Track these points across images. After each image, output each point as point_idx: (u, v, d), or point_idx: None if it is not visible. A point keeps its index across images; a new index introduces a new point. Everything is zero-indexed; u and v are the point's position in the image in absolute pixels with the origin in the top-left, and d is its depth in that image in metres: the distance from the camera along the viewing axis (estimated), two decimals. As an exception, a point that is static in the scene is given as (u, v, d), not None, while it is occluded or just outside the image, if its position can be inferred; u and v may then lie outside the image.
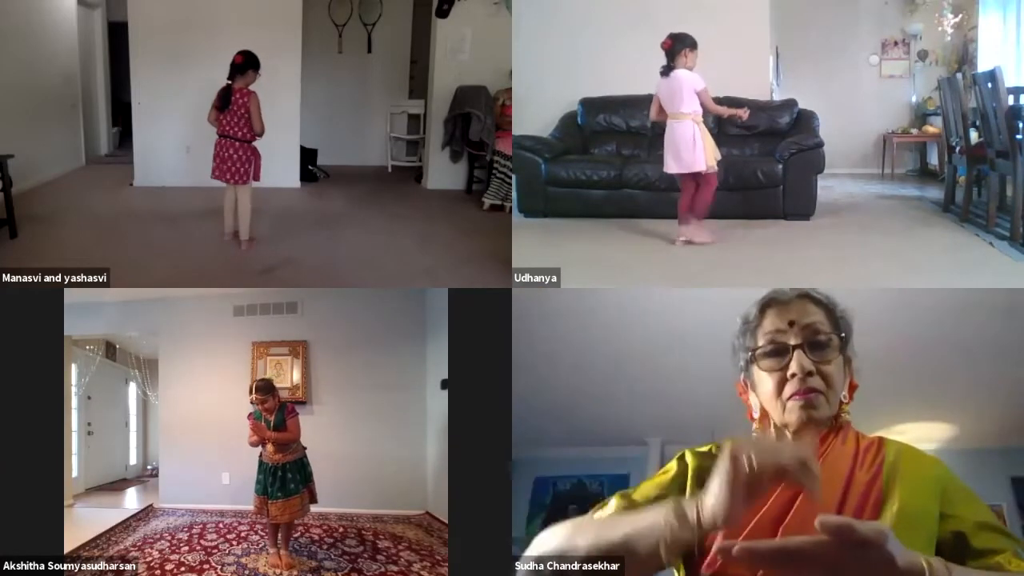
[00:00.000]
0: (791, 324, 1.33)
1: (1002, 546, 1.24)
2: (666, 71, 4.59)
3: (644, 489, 1.36)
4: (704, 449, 1.37)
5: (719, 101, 4.84)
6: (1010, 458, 4.28)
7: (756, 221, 5.14)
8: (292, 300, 5.26)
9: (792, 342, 1.32)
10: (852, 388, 1.40)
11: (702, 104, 4.56)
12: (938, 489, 1.30)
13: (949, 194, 5.75)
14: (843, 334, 1.35)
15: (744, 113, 4.76)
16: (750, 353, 1.37)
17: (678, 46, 4.54)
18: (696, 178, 4.66)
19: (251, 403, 3.81)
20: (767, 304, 1.38)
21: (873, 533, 0.95)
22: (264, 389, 3.80)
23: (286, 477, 3.77)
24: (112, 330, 6.18)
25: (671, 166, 4.66)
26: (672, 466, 1.38)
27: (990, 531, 1.26)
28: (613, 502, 1.35)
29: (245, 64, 4.49)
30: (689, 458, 1.36)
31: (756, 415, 1.40)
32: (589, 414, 4.16)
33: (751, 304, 1.41)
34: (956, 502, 1.29)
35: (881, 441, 1.36)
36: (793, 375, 1.31)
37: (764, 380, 1.35)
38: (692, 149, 4.57)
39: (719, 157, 4.71)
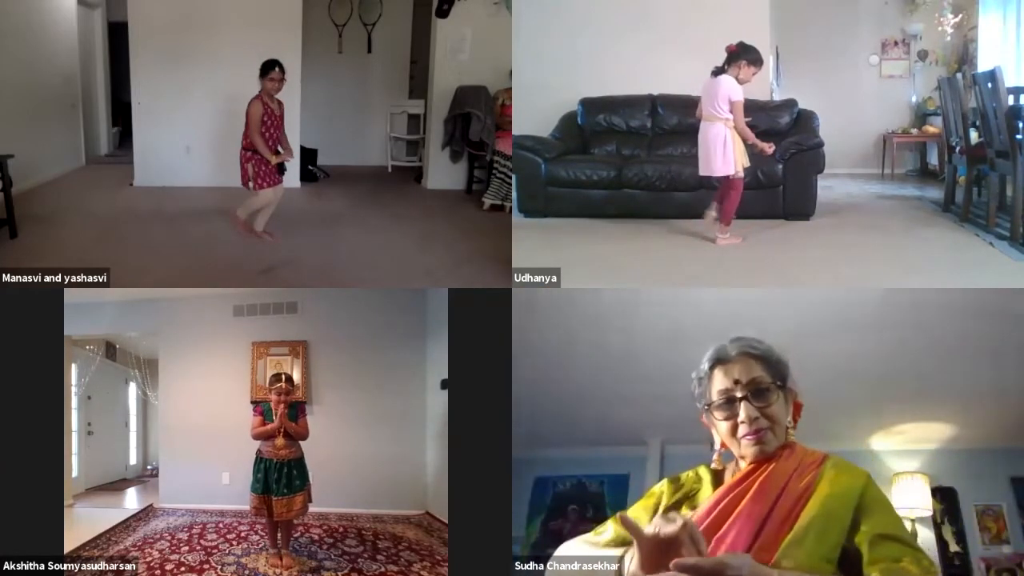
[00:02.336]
0: (736, 382, 1.58)
1: (898, 554, 1.42)
2: (716, 72, 4.59)
3: (633, 511, 1.64)
4: (680, 475, 1.68)
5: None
6: (1010, 458, 4.26)
7: (756, 221, 5.13)
8: (292, 300, 5.26)
9: (739, 395, 1.58)
10: (797, 408, 1.64)
11: (733, 116, 4.56)
12: (853, 500, 1.48)
13: (949, 194, 5.75)
14: (779, 381, 1.59)
15: (768, 149, 4.74)
16: (706, 405, 1.63)
17: (740, 55, 4.52)
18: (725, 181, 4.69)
19: (252, 400, 3.82)
20: (714, 364, 1.63)
21: (713, 566, 1.27)
22: (290, 380, 3.92)
23: (292, 473, 3.78)
24: (112, 330, 6.18)
25: (702, 168, 4.72)
26: (654, 491, 1.68)
27: (889, 541, 1.43)
28: (610, 526, 1.60)
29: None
30: (665, 486, 1.67)
31: (717, 446, 1.64)
32: (589, 414, 4.15)
33: (702, 360, 1.66)
34: (867, 513, 1.46)
35: (825, 457, 1.57)
36: (743, 421, 1.56)
37: (720, 424, 1.61)
38: (721, 153, 4.60)
39: (747, 164, 4.70)
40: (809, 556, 1.41)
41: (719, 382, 1.60)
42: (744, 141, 4.65)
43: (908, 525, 4.09)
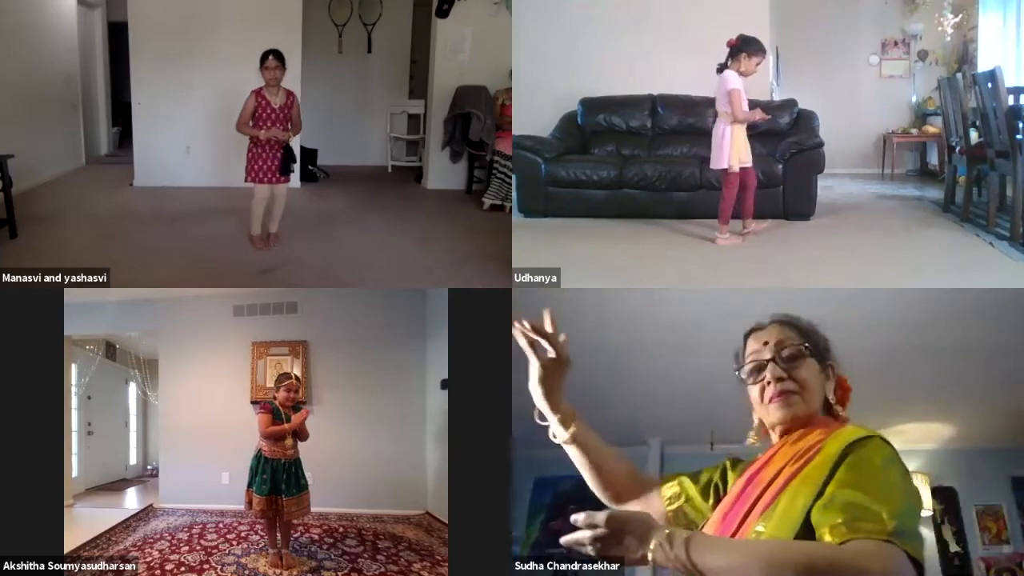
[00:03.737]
0: (765, 344, 1.57)
1: (857, 514, 1.22)
2: (720, 69, 4.62)
3: (696, 474, 1.69)
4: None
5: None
6: (1010, 458, 4.27)
7: (756, 221, 5.13)
8: (292, 300, 5.26)
9: (766, 357, 1.55)
10: (845, 389, 1.58)
11: (731, 104, 4.57)
12: (828, 466, 1.34)
13: (949, 194, 5.75)
14: (807, 344, 1.56)
15: (758, 115, 4.75)
16: (738, 371, 1.60)
17: (741, 47, 4.55)
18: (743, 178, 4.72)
19: (252, 400, 3.83)
20: (748, 333, 1.62)
21: (602, 520, 1.24)
22: (299, 380, 3.97)
23: (298, 473, 3.82)
24: (112, 330, 6.18)
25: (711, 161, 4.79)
26: (717, 464, 1.68)
27: (850, 503, 1.24)
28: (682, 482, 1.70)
29: None
30: (727, 462, 1.67)
31: (755, 422, 1.60)
32: (589, 414, 4.14)
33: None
34: (839, 476, 1.31)
35: (837, 433, 1.43)
36: (769, 383, 1.53)
37: (752, 392, 1.57)
38: (720, 147, 4.64)
39: (746, 162, 4.69)
40: (770, 536, 1.31)
41: (750, 347, 1.59)
42: (747, 124, 4.67)
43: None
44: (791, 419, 1.50)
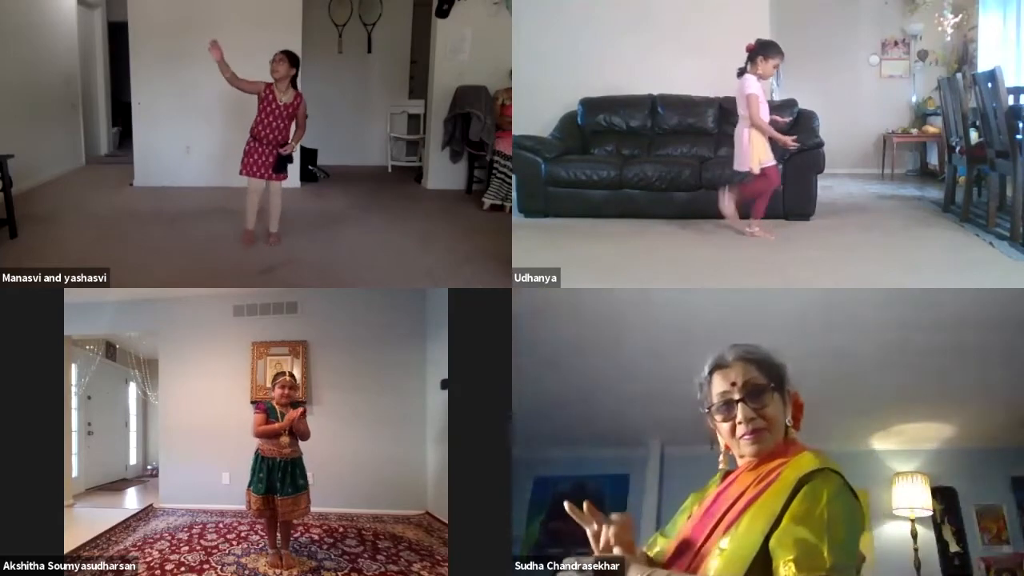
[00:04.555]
0: (733, 384, 1.65)
1: (801, 551, 1.40)
2: (739, 72, 4.70)
3: (672, 527, 1.76)
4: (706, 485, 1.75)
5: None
6: (1010, 458, 4.26)
7: (762, 227, 5.13)
8: (292, 300, 5.26)
9: (736, 397, 1.64)
10: (799, 408, 1.68)
11: (748, 109, 4.65)
12: (783, 497, 1.49)
13: (949, 194, 5.75)
14: (773, 383, 1.65)
15: (790, 142, 4.80)
16: (707, 409, 1.70)
17: (758, 51, 4.65)
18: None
19: (252, 400, 3.82)
20: (713, 369, 1.70)
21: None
22: (294, 377, 3.94)
23: (295, 473, 3.79)
24: (112, 330, 6.18)
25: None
26: (684, 505, 1.78)
27: (799, 539, 1.42)
28: (657, 539, 1.77)
29: None
30: (691, 498, 1.77)
31: (721, 448, 1.72)
32: (589, 414, 4.15)
33: (704, 367, 1.74)
34: (793, 509, 1.46)
35: (799, 453, 1.59)
36: (740, 422, 1.63)
37: (721, 426, 1.68)
38: (740, 149, 4.74)
39: (766, 163, 4.75)
40: (727, 562, 1.46)
41: (718, 386, 1.67)
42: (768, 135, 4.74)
43: (907, 525, 4.09)
44: (761, 453, 1.62)
